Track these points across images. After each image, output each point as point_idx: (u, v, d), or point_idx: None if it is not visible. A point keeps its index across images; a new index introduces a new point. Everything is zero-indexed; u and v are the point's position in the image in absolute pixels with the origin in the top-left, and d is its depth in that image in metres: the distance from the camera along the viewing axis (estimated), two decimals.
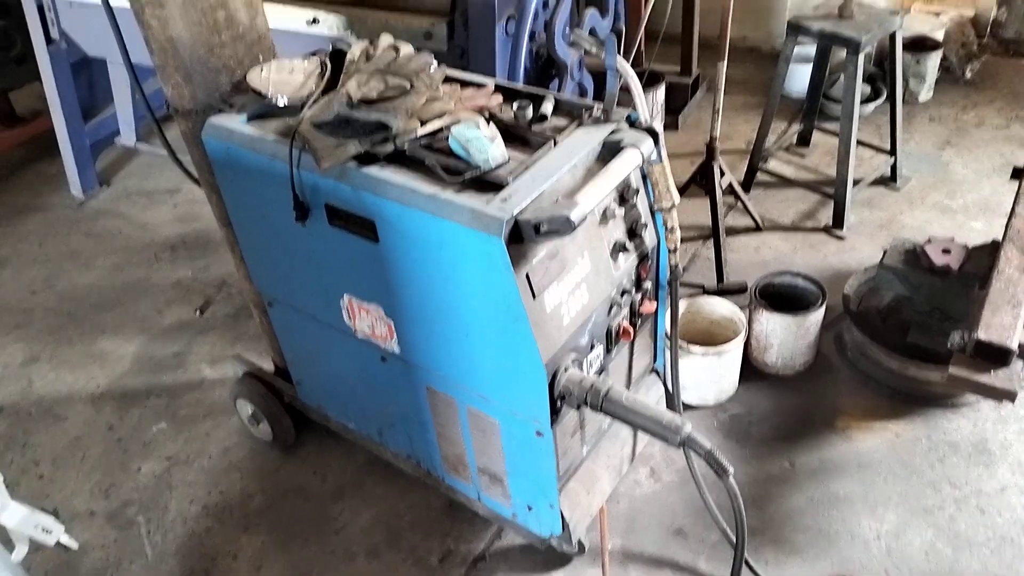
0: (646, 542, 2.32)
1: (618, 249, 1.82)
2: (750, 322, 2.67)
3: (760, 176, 3.60)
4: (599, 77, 3.08)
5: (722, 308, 2.67)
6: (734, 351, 2.56)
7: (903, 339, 2.62)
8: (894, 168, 3.46)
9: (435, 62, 1.89)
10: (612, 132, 1.74)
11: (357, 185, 1.71)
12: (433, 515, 2.47)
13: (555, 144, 1.71)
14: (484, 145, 1.64)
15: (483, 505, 2.21)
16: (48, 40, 3.79)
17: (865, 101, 3.84)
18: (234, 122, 1.94)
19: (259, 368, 2.74)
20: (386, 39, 1.98)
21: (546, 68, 2.76)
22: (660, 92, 3.98)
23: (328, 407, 2.49)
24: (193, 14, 1.95)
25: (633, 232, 1.85)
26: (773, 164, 3.66)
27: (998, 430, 2.52)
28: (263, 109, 1.98)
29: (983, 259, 2.43)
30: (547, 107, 1.83)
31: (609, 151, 1.73)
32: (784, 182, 3.59)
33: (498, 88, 1.90)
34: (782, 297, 2.75)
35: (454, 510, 2.46)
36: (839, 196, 3.22)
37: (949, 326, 2.55)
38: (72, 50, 3.84)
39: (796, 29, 3.10)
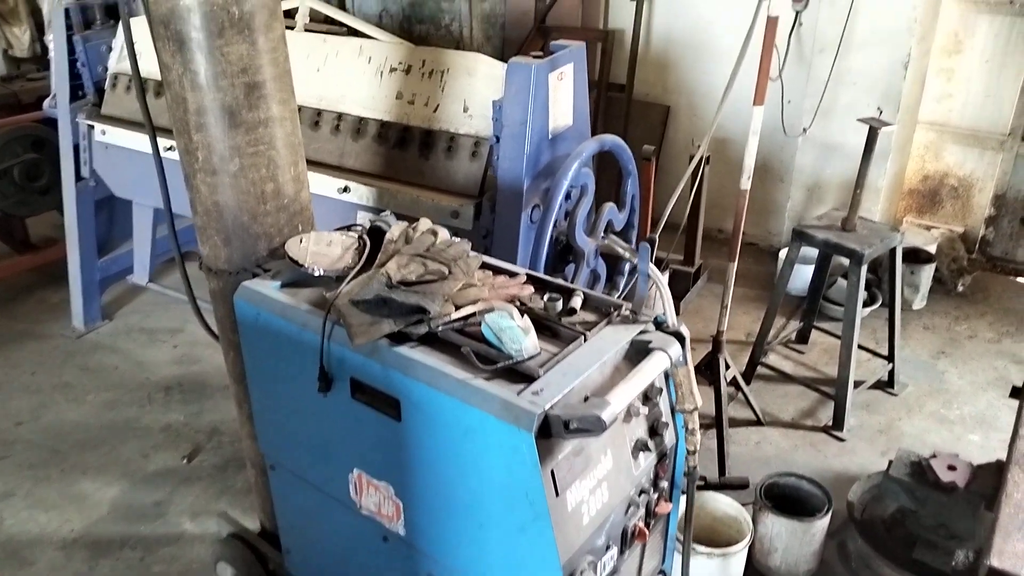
0: None
1: (639, 447, 1.82)
2: (755, 522, 2.62)
3: (760, 369, 3.66)
4: (610, 262, 3.20)
5: (726, 506, 2.63)
6: (740, 554, 2.50)
7: (908, 553, 2.58)
8: (891, 374, 3.53)
9: (470, 248, 1.97)
10: (640, 332, 1.79)
11: (387, 363, 1.73)
12: None
13: (585, 340, 1.75)
14: (517, 335, 1.68)
15: None
16: (78, 177, 3.92)
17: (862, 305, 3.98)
18: (268, 288, 1.98)
19: (245, 530, 2.63)
20: (425, 223, 2.06)
21: (563, 254, 2.87)
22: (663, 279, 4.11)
23: None
24: (243, 184, 2.04)
25: (654, 431, 1.86)
26: (773, 358, 3.73)
27: None
28: (297, 277, 2.03)
29: (988, 478, 2.44)
30: (576, 301, 1.88)
31: (637, 351, 1.77)
32: (784, 377, 3.65)
33: (528, 278, 1.97)
34: (786, 499, 2.73)
35: None
36: (840, 398, 3.26)
37: (954, 544, 2.52)
38: (99, 188, 3.97)
39: (801, 236, 3.26)
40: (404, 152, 3.00)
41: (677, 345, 1.75)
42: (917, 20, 3.85)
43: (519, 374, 1.64)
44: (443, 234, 2.05)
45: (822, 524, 2.59)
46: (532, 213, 2.72)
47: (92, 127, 3.73)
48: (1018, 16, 3.98)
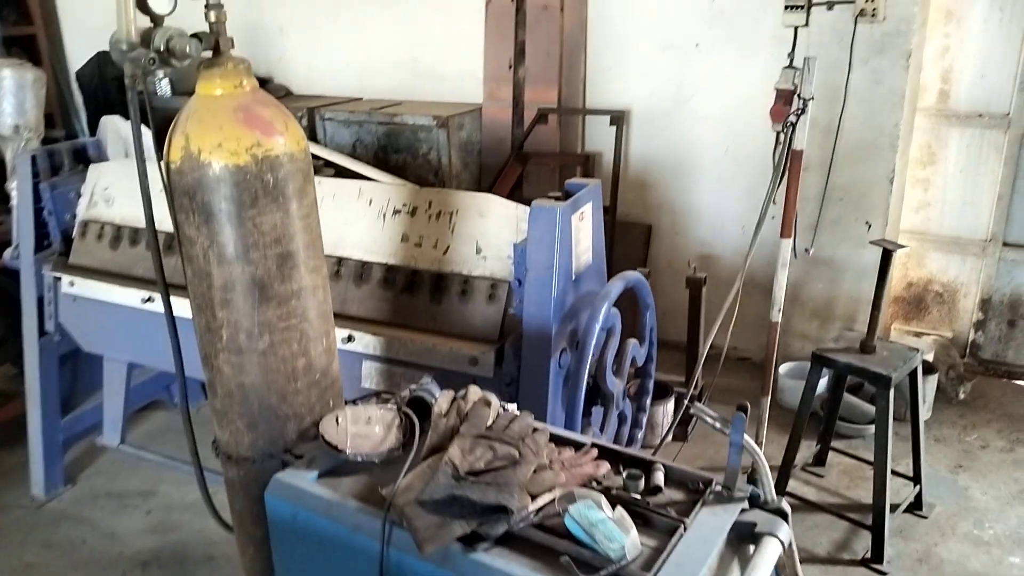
0: None
1: None
2: None
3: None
4: (634, 400, 3.06)
5: None
6: None
7: None
8: (919, 496, 3.41)
9: (533, 420, 1.80)
10: (741, 513, 1.62)
11: (463, 573, 1.51)
12: None
13: (685, 529, 1.57)
14: (612, 531, 1.49)
15: None
16: (41, 332, 3.63)
17: (870, 422, 3.90)
18: (304, 480, 1.76)
19: None
20: (476, 392, 1.89)
21: (590, 397, 2.71)
22: (669, 405, 3.98)
23: None
24: (273, 362, 1.85)
25: None
26: (793, 484, 3.58)
27: None
28: (334, 464, 1.82)
29: None
30: (659, 477, 1.71)
31: (739, 535, 1.60)
32: (809, 506, 3.49)
33: (596, 449, 1.80)
34: None
35: None
36: (877, 528, 3.11)
37: None
38: (64, 342, 3.68)
39: (821, 361, 3.18)
40: (413, 297, 2.84)
41: (786, 527, 1.59)
42: (900, 136, 3.95)
43: None
44: (495, 402, 1.87)
45: None
46: (560, 358, 2.57)
47: (59, 279, 3.47)
48: (987, 128, 4.12)
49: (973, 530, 3.34)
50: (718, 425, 1.65)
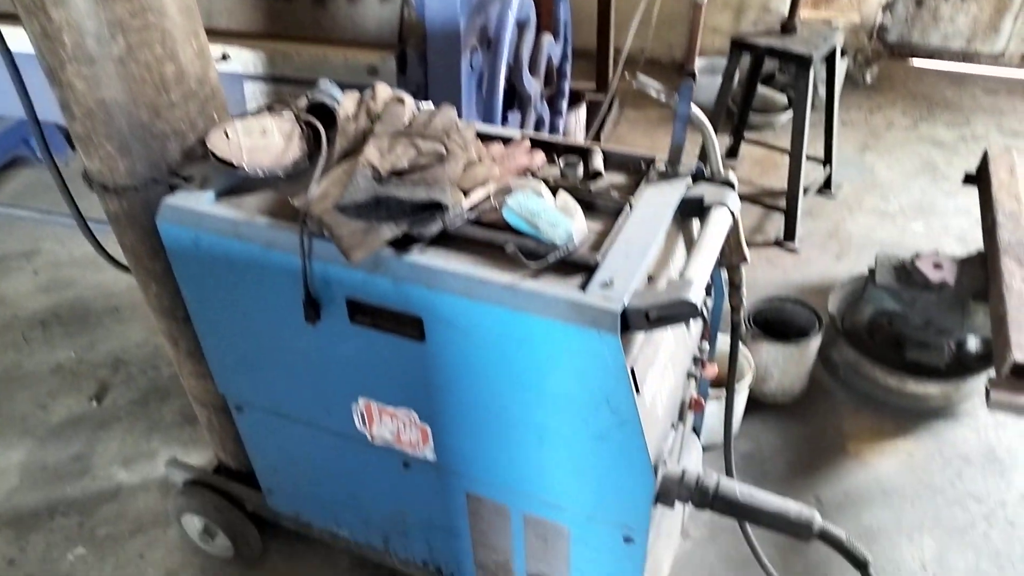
0: None
1: None
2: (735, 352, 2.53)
3: None
4: (550, 105, 2.87)
5: (724, 344, 2.52)
6: (745, 390, 2.43)
7: (896, 354, 2.60)
8: (829, 177, 3.48)
9: (456, 115, 1.59)
10: (689, 188, 1.52)
11: (400, 277, 1.39)
12: None
13: (631, 208, 1.46)
14: (556, 217, 1.37)
15: None
16: None
17: (782, 110, 3.86)
18: (201, 202, 1.54)
19: (206, 473, 2.29)
20: (385, 90, 1.65)
21: (506, 102, 2.50)
22: (582, 112, 3.81)
23: (311, 515, 2.11)
24: (134, 69, 1.53)
25: (706, 292, 1.64)
26: None
27: (1000, 437, 2.54)
28: (233, 183, 1.60)
29: (973, 271, 2.43)
30: (598, 161, 1.58)
31: (687, 212, 1.51)
32: None
33: (528, 140, 1.63)
34: (770, 323, 2.66)
35: None
36: (791, 210, 3.18)
37: (943, 339, 2.55)
38: None
39: (741, 46, 3.01)
40: (291, 2, 2.45)
41: (734, 195, 1.50)
42: None
43: (571, 265, 1.35)
44: (409, 100, 1.65)
45: (816, 342, 2.55)
46: (472, 59, 2.31)
47: None
48: None
49: (879, 204, 3.47)
50: (663, 97, 1.49)
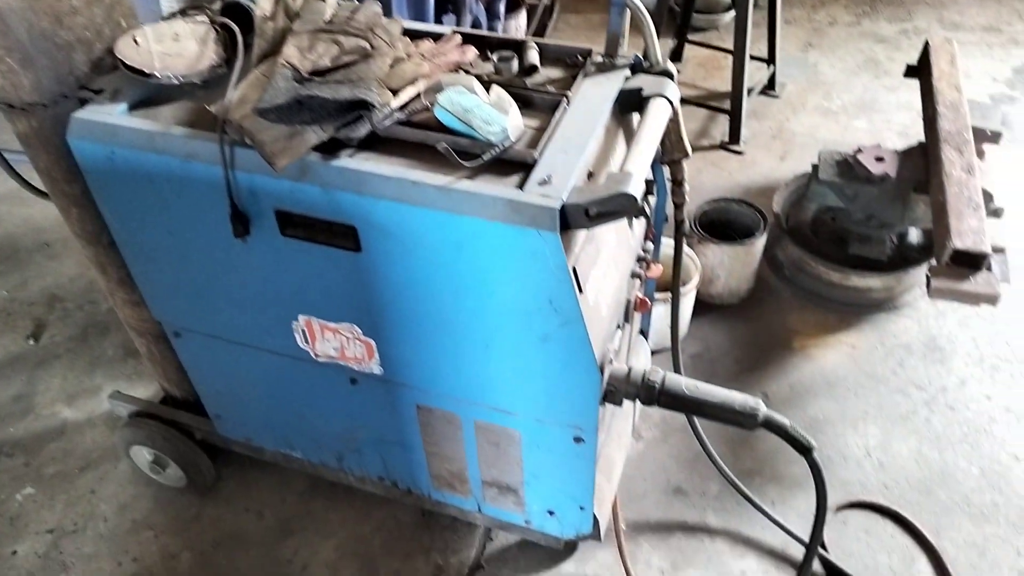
0: (649, 508, 2.18)
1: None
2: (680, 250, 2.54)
3: None
4: (488, 9, 2.75)
5: (670, 247, 2.51)
6: (692, 292, 2.43)
7: (839, 250, 2.62)
8: (773, 77, 3.44)
9: (380, 9, 1.50)
10: (627, 80, 1.47)
11: (329, 184, 1.32)
12: (406, 531, 2.18)
13: (568, 103, 1.41)
14: (490, 114, 1.31)
15: (484, 516, 1.95)
16: None
17: (725, 10, 3.78)
18: (113, 115, 1.45)
19: (152, 404, 2.24)
20: None
21: (439, 3, 2.39)
22: (522, 17, 3.68)
23: (262, 439, 2.09)
24: None
25: (647, 191, 1.61)
26: None
27: (941, 325, 2.61)
28: (147, 93, 1.50)
29: (914, 163, 2.44)
30: (533, 56, 1.51)
31: (627, 104, 1.46)
32: None
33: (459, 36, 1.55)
34: (715, 225, 2.65)
35: (429, 520, 2.18)
36: (735, 111, 3.15)
37: (885, 232, 2.58)
38: None
39: None
40: None
41: (673, 85, 1.46)
42: None
43: (507, 163, 1.30)
44: None
45: (761, 242, 2.56)
46: None
47: None
48: None
49: (822, 102, 3.45)
50: None
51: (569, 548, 2.10)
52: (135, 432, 2.19)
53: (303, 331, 1.63)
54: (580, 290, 1.34)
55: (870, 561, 2.05)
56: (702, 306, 2.65)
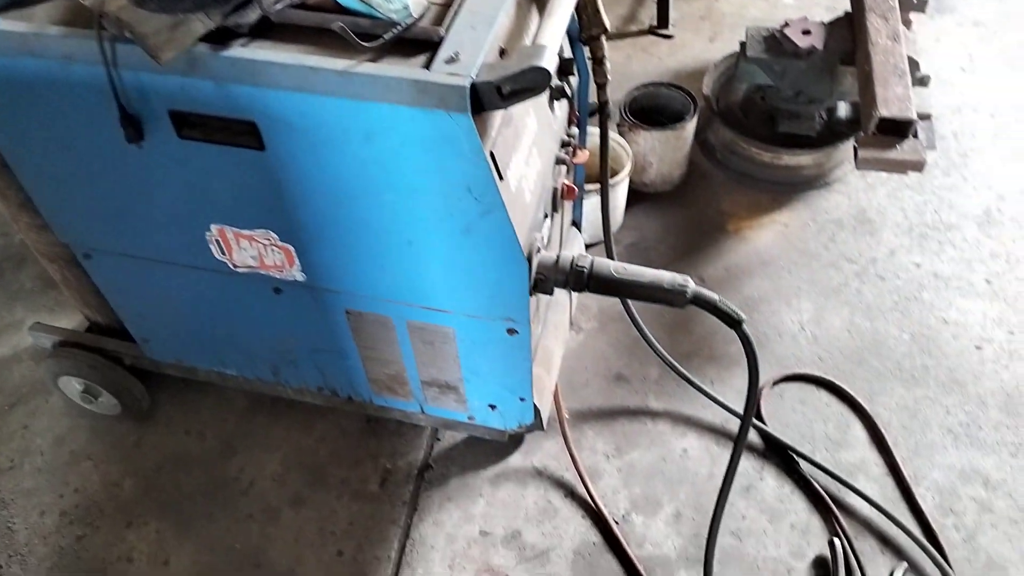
0: (591, 396, 2.21)
1: (555, 94, 1.51)
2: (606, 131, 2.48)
3: None
4: None
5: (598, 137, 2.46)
6: (625, 181, 2.40)
7: (769, 130, 2.60)
8: None
9: None
10: None
11: (222, 77, 1.23)
12: (352, 439, 2.17)
13: None
14: None
15: (427, 417, 1.95)
16: None
17: None
18: None
19: (75, 333, 2.15)
20: None
21: None
22: None
23: (194, 358, 2.03)
24: None
25: (565, 70, 1.54)
26: None
27: (871, 198, 2.63)
28: None
29: (841, 34, 2.40)
30: None
31: None
32: None
33: None
34: (645, 112, 2.60)
35: (374, 426, 2.18)
36: None
37: (814, 108, 2.56)
38: None
39: None
40: None
41: None
42: None
43: (412, 43, 1.22)
44: None
45: (692, 125, 2.51)
46: None
47: None
48: None
49: None
50: None
51: (515, 441, 2.12)
52: (61, 363, 2.11)
53: (217, 241, 1.56)
54: (500, 176, 1.29)
55: (807, 431, 2.12)
56: (636, 195, 2.62)
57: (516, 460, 2.10)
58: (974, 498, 1.99)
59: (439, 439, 2.16)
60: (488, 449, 2.12)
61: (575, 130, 1.71)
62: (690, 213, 2.62)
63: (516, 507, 2.02)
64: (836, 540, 1.89)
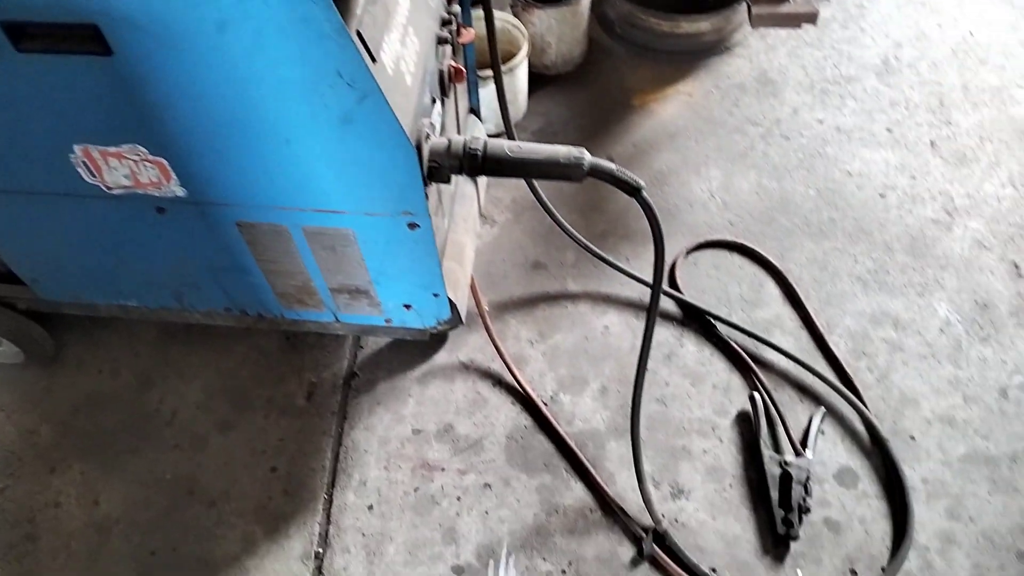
0: (510, 286, 2.20)
1: None
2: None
3: None
4: None
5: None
6: (523, 64, 2.32)
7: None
8: None
9: None
10: None
11: None
12: (273, 358, 2.13)
13: None
14: None
15: (344, 325, 1.91)
16: None
17: None
18: None
19: None
20: None
21: None
22: None
23: (91, 294, 1.93)
24: None
25: None
26: None
27: (772, 59, 2.62)
28: None
29: None
30: None
31: None
32: None
33: None
34: None
35: (295, 342, 2.14)
36: None
37: None
38: None
39: None
40: None
41: None
42: None
43: None
44: None
45: (588, 1, 2.43)
46: None
47: None
48: None
49: None
50: None
51: (439, 339, 2.11)
52: None
53: (84, 163, 1.45)
54: (373, 59, 1.21)
55: (722, 294, 2.16)
56: (538, 79, 2.55)
57: (442, 357, 2.10)
58: (885, 339, 2.07)
59: (362, 347, 2.13)
60: (412, 350, 2.10)
61: (457, 8, 1.62)
62: (595, 92, 2.57)
63: (446, 402, 2.03)
64: (756, 394, 1.95)
